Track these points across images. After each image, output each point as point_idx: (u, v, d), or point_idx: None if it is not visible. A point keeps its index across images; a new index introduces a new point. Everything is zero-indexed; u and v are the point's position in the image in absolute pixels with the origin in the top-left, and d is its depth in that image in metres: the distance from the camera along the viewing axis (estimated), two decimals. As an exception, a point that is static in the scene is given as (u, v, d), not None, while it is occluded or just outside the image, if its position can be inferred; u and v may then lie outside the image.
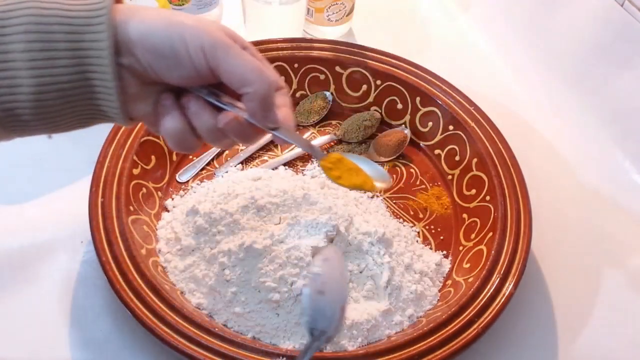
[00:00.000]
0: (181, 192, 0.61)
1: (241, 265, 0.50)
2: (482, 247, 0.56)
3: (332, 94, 0.71)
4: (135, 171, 0.57)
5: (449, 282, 0.56)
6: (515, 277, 0.52)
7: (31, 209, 0.59)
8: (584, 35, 0.73)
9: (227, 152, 0.66)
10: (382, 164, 0.66)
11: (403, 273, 0.53)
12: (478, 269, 0.53)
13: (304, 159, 0.66)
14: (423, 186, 0.65)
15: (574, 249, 0.62)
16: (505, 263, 0.53)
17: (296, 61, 0.69)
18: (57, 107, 0.34)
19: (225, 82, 0.36)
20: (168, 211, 0.59)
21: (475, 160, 0.62)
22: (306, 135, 0.69)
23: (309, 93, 0.71)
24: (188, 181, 0.62)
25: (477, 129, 0.63)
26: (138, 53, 0.34)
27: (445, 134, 0.66)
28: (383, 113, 0.70)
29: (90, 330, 0.51)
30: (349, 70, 0.69)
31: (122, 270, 0.49)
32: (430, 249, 0.59)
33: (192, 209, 0.55)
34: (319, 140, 0.68)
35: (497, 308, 0.50)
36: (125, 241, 0.51)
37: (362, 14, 0.84)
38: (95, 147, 0.57)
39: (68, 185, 0.61)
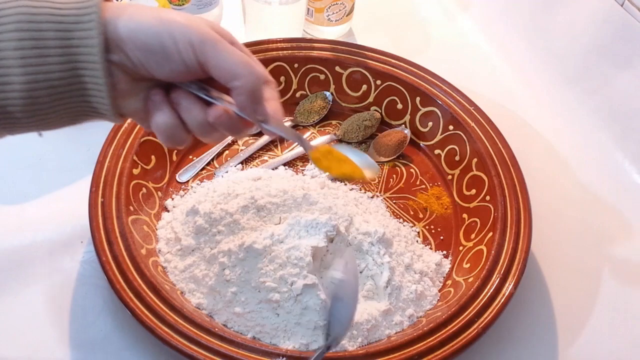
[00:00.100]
0: (181, 192, 0.61)
1: (241, 265, 0.50)
2: (482, 247, 0.56)
3: (332, 94, 0.71)
4: (135, 171, 0.57)
5: (449, 282, 0.56)
6: (515, 277, 0.52)
7: (31, 209, 0.59)
8: (584, 35, 0.73)
9: (227, 152, 0.66)
10: (382, 164, 0.67)
11: (403, 273, 0.53)
12: (478, 269, 0.53)
13: (304, 159, 0.66)
14: (423, 186, 0.65)
15: (574, 249, 0.62)
16: (505, 263, 0.53)
17: (296, 61, 0.69)
18: (48, 104, 0.34)
19: (214, 77, 0.37)
20: (168, 211, 0.59)
21: (475, 160, 0.62)
22: (306, 135, 0.69)
23: (309, 93, 0.71)
24: (188, 181, 0.62)
25: (477, 129, 0.63)
26: (128, 50, 0.35)
27: (445, 134, 0.66)
28: (383, 113, 0.70)
29: (90, 330, 0.51)
30: (349, 70, 0.69)
31: (122, 270, 0.49)
32: (430, 249, 0.59)
33: (192, 209, 0.55)
34: (319, 140, 0.68)
35: (497, 308, 0.50)
36: (125, 241, 0.51)
37: (362, 14, 0.84)
38: (95, 147, 0.57)
39: (68, 185, 0.61)
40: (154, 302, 0.47)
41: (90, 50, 0.34)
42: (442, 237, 0.60)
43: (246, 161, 0.65)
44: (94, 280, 0.54)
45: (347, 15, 0.79)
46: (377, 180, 0.65)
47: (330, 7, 0.77)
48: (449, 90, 0.66)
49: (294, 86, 0.70)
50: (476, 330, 0.48)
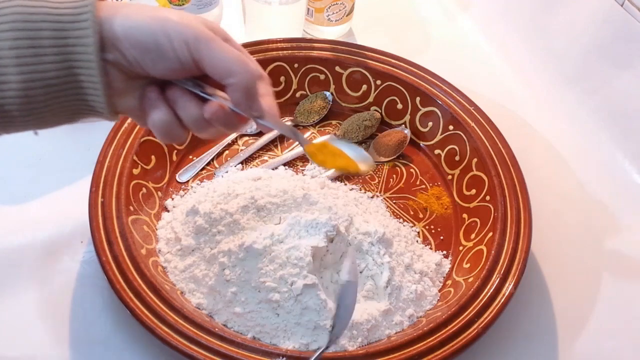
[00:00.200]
0: (181, 192, 0.61)
1: (241, 265, 0.50)
2: (482, 247, 0.56)
3: (332, 94, 0.71)
4: (135, 171, 0.57)
5: (449, 282, 0.56)
6: (515, 277, 0.52)
7: (31, 209, 0.59)
8: (584, 35, 0.73)
9: (227, 152, 0.66)
10: (382, 164, 0.67)
11: (403, 273, 0.53)
12: (478, 269, 0.53)
13: (304, 159, 0.66)
14: (423, 186, 0.65)
15: (574, 249, 0.62)
16: (505, 263, 0.53)
17: (296, 61, 0.69)
18: (44, 102, 0.35)
19: (209, 74, 0.37)
20: (168, 211, 0.59)
21: (475, 160, 0.62)
22: (306, 135, 0.69)
23: (309, 93, 0.71)
24: (188, 181, 0.62)
25: (477, 128, 0.63)
26: (123, 48, 0.35)
27: (445, 134, 0.66)
28: (383, 113, 0.70)
29: (90, 330, 0.51)
30: (349, 70, 0.69)
31: (122, 270, 0.49)
32: (430, 249, 0.59)
33: (192, 209, 0.55)
34: (319, 140, 0.68)
35: (497, 308, 0.50)
36: (125, 241, 0.51)
37: (362, 14, 0.84)
38: (95, 147, 0.57)
39: (68, 185, 0.61)
40: (154, 302, 0.47)
41: (85, 50, 0.34)
42: (442, 237, 0.60)
43: (246, 161, 0.65)
44: (94, 280, 0.54)
45: (347, 15, 0.79)
46: (377, 181, 0.65)
47: (330, 7, 0.77)
48: (449, 90, 0.66)
49: (294, 86, 0.70)
50: (476, 330, 0.48)
